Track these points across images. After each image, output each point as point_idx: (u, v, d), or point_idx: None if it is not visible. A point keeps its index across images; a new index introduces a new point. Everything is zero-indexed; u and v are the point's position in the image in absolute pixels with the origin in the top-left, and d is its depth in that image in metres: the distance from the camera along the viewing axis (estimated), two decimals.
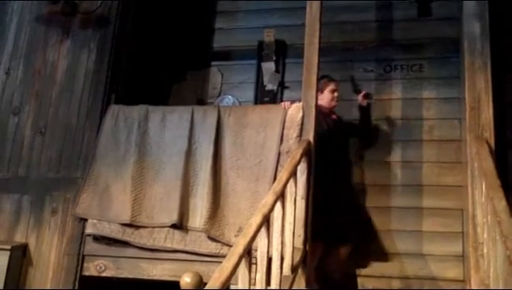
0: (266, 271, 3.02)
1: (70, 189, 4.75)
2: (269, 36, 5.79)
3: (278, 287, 3.24)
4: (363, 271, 4.90)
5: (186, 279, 2.37)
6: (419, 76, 5.50)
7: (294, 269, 3.60)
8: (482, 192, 3.49)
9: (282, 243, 3.42)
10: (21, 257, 4.62)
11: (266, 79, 5.81)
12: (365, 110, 5.03)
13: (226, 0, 6.25)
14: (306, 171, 4.02)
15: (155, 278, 4.33)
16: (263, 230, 2.98)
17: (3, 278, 4.44)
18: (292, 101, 4.52)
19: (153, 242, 4.35)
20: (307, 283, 3.94)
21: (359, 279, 4.96)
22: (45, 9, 5.36)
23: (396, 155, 5.31)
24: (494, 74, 4.18)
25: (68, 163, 4.89)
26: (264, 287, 3.00)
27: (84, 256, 4.52)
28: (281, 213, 3.38)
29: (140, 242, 4.38)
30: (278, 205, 3.33)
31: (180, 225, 4.31)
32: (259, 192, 4.25)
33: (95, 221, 4.52)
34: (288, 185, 3.56)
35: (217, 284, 2.32)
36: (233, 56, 6.12)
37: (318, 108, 4.81)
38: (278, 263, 3.30)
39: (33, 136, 5.04)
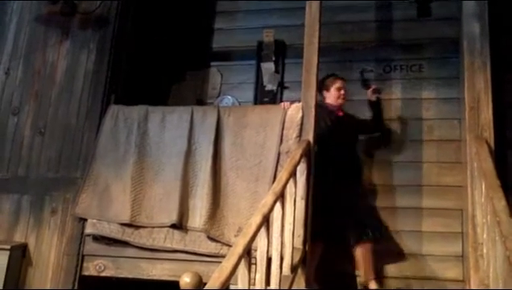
0: (265, 271, 3.02)
1: (70, 189, 4.74)
2: (268, 36, 5.79)
3: (277, 287, 3.24)
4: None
5: (185, 279, 2.37)
6: (418, 77, 5.50)
7: (293, 269, 3.60)
8: (482, 193, 3.49)
9: (282, 243, 3.42)
10: (20, 257, 4.62)
11: (265, 79, 5.81)
12: (375, 105, 4.96)
13: (226, 0, 6.25)
14: (305, 172, 4.02)
15: (155, 278, 4.33)
16: (263, 230, 2.99)
17: (3, 278, 4.43)
18: (292, 102, 4.52)
19: (152, 242, 4.35)
20: (307, 283, 3.94)
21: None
22: (44, 9, 5.36)
23: (395, 155, 5.30)
24: (494, 74, 4.18)
25: (67, 163, 4.89)
26: (264, 287, 3.00)
27: (83, 256, 4.52)
28: (280, 213, 3.38)
29: (140, 242, 4.38)
30: (278, 205, 3.33)
31: (180, 226, 4.31)
32: (259, 193, 4.25)
33: (94, 221, 4.52)
34: (288, 185, 3.56)
35: (217, 284, 2.32)
36: (232, 57, 6.12)
37: (324, 106, 4.83)
38: (278, 263, 3.30)
39: (32, 136, 5.04)
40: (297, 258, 3.73)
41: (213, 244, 4.24)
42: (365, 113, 5.11)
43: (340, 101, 4.89)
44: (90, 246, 4.52)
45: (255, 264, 2.98)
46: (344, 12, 5.79)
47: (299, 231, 3.88)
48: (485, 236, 3.39)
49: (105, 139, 4.78)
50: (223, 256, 2.85)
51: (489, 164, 3.51)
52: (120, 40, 5.19)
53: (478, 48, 4.25)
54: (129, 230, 4.42)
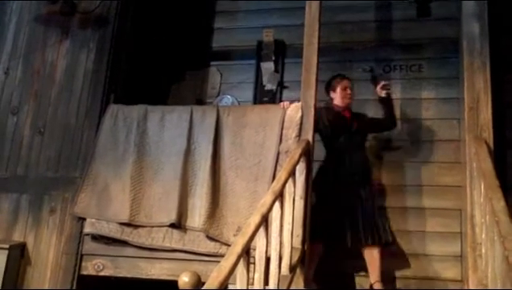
0: (264, 270, 3.02)
1: (69, 189, 4.74)
2: (268, 36, 5.79)
3: (276, 287, 3.24)
4: (361, 271, 4.90)
5: (184, 279, 2.38)
6: (418, 77, 5.51)
7: (292, 269, 3.60)
8: (481, 193, 3.49)
9: (281, 243, 3.42)
10: (19, 256, 4.61)
11: (265, 79, 5.81)
12: (385, 101, 4.87)
13: (225, 0, 6.25)
14: (305, 171, 4.02)
15: (154, 277, 4.33)
16: (262, 230, 2.99)
17: (1, 277, 4.42)
18: (291, 101, 4.52)
19: (151, 242, 4.35)
20: (306, 282, 3.94)
21: (357, 279, 4.96)
22: (44, 9, 5.35)
23: (393, 155, 5.30)
24: (493, 74, 4.18)
25: (66, 162, 4.88)
26: (262, 287, 3.00)
27: (82, 255, 4.51)
28: (279, 212, 3.38)
29: (138, 241, 4.38)
30: (277, 204, 3.33)
31: (179, 225, 4.31)
32: (258, 192, 4.24)
33: (93, 220, 4.51)
34: (287, 185, 3.55)
35: (215, 284, 2.32)
36: (232, 56, 6.12)
37: (330, 107, 4.83)
38: (277, 262, 3.30)
39: (32, 136, 5.03)
40: (296, 257, 3.73)
41: (212, 243, 4.24)
42: (369, 113, 5.10)
43: (346, 100, 4.84)
44: (89, 246, 4.52)
45: (254, 264, 2.98)
46: (343, 12, 5.80)
47: (298, 231, 3.88)
48: (483, 236, 3.39)
49: (105, 139, 4.78)
50: (222, 256, 2.85)
51: (488, 164, 3.51)
52: (119, 40, 5.19)
53: (478, 48, 4.25)
54: (128, 230, 4.41)
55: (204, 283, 2.35)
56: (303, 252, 3.91)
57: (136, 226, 4.41)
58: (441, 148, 5.22)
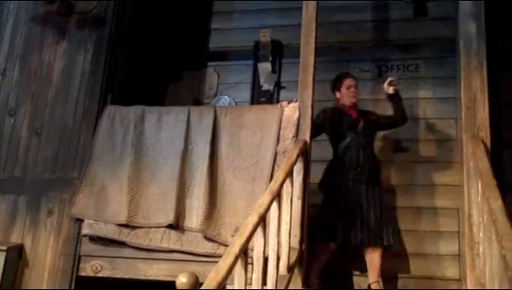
0: (262, 270, 3.02)
1: (66, 190, 4.73)
2: (265, 36, 5.80)
3: (274, 287, 3.24)
4: (358, 271, 4.90)
5: (182, 280, 2.37)
6: (415, 76, 5.52)
7: (290, 269, 3.60)
8: (478, 192, 3.50)
9: (279, 243, 3.43)
10: (17, 258, 4.60)
11: (262, 79, 5.82)
12: (393, 97, 4.80)
13: (222, 0, 6.25)
14: (302, 171, 4.02)
15: (151, 278, 4.33)
16: (259, 230, 2.99)
17: None
18: (289, 101, 4.51)
19: (149, 243, 4.34)
20: (303, 282, 3.94)
21: (355, 279, 4.96)
22: (41, 9, 5.34)
23: (391, 155, 5.31)
24: (490, 74, 4.18)
25: (64, 163, 4.87)
26: (260, 287, 3.00)
27: (80, 257, 4.50)
28: (277, 213, 3.38)
29: (136, 242, 4.37)
30: (275, 205, 3.34)
31: (176, 226, 4.30)
32: (256, 193, 4.24)
33: (91, 221, 4.50)
34: (284, 185, 3.56)
35: (213, 284, 2.32)
36: (229, 57, 6.13)
37: (335, 107, 4.82)
38: (275, 262, 3.30)
39: (29, 137, 5.02)
40: (294, 257, 3.73)
41: (210, 244, 4.23)
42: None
43: (351, 99, 4.79)
44: (87, 247, 4.51)
45: (252, 264, 2.98)
46: (340, 12, 5.81)
47: (296, 231, 3.88)
48: (481, 235, 3.39)
49: (102, 140, 4.77)
50: (220, 256, 2.85)
51: (485, 164, 3.51)
52: (117, 40, 5.19)
53: (475, 48, 4.25)
54: (125, 231, 4.41)
55: (201, 284, 2.35)
56: (300, 252, 3.91)
57: (134, 227, 4.40)
58: (438, 148, 5.23)
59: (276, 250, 3.36)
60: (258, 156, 4.41)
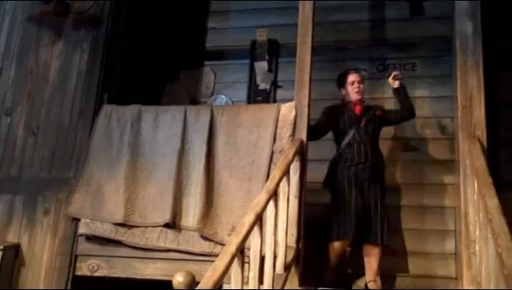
0: (258, 269, 3.02)
1: (62, 189, 4.73)
2: (261, 36, 5.80)
3: (270, 286, 3.24)
4: (355, 270, 4.90)
5: (178, 279, 2.37)
6: (411, 75, 5.51)
7: (287, 268, 3.61)
8: (474, 190, 3.50)
9: (275, 242, 3.42)
10: (13, 257, 4.60)
11: (258, 78, 5.82)
12: (399, 91, 4.71)
13: (218, 0, 6.26)
14: (299, 170, 4.02)
15: (148, 277, 4.33)
16: (256, 229, 2.99)
17: None
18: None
19: (146, 242, 4.34)
20: (300, 281, 3.94)
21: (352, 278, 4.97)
22: (37, 9, 5.34)
23: (388, 154, 5.31)
24: (486, 73, 4.19)
25: (60, 163, 4.87)
26: (257, 286, 3.00)
27: (76, 256, 4.50)
28: (274, 211, 3.38)
29: (133, 241, 4.37)
30: (271, 203, 3.34)
31: (173, 225, 4.30)
32: (252, 192, 4.25)
33: (88, 220, 4.50)
34: (281, 184, 3.56)
35: (210, 283, 2.32)
36: (225, 56, 6.13)
37: (340, 105, 4.79)
38: (271, 261, 3.30)
39: (25, 136, 5.02)
40: (290, 256, 3.73)
41: (207, 243, 4.24)
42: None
43: (356, 95, 4.72)
44: (83, 246, 4.51)
45: (248, 263, 2.98)
46: (337, 11, 5.82)
47: (293, 230, 3.89)
48: (477, 233, 3.39)
49: (99, 139, 4.77)
50: (216, 255, 2.85)
51: (481, 162, 3.52)
52: (113, 40, 5.18)
53: (471, 47, 4.26)
54: (122, 230, 4.41)
55: (198, 283, 2.35)
56: (297, 251, 3.91)
57: (130, 226, 4.40)
58: (435, 146, 5.24)
59: (273, 249, 3.35)
60: (255, 155, 4.41)
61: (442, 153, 5.23)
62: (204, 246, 4.23)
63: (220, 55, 6.11)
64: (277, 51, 5.90)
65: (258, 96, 5.77)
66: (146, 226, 4.38)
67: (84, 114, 4.95)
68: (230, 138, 4.52)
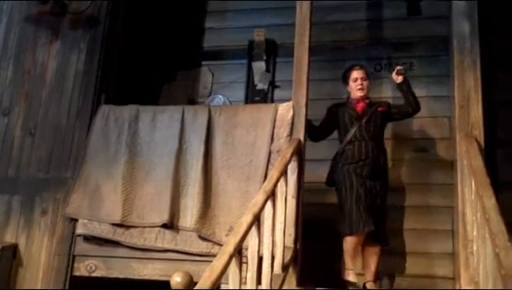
0: (256, 270, 3.02)
1: (60, 190, 4.73)
2: (259, 36, 5.80)
3: (268, 287, 3.25)
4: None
5: (176, 279, 2.38)
6: (409, 75, 5.42)
7: (284, 268, 3.61)
8: (472, 190, 3.51)
9: (273, 242, 3.43)
10: (11, 257, 4.59)
11: (256, 78, 5.82)
12: (402, 86, 4.65)
13: (216, 0, 6.26)
14: (296, 170, 4.03)
15: (146, 278, 4.32)
16: (254, 229, 2.99)
17: None
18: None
19: (144, 242, 4.34)
20: (298, 281, 3.94)
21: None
22: (34, 9, 5.33)
23: None
24: (484, 73, 4.20)
25: (58, 163, 4.87)
26: (255, 287, 3.00)
27: (74, 256, 4.50)
28: (271, 212, 3.39)
29: (131, 241, 4.37)
30: (269, 204, 3.34)
31: (171, 225, 4.30)
32: (250, 192, 4.25)
33: (85, 221, 4.50)
34: (279, 184, 3.56)
35: (208, 284, 2.32)
36: (223, 56, 6.13)
37: (344, 102, 4.75)
38: (269, 261, 3.31)
39: (23, 137, 5.01)
40: (288, 256, 3.73)
41: (204, 243, 4.23)
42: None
43: (358, 92, 4.65)
44: (81, 247, 4.51)
45: (246, 263, 2.98)
46: (334, 11, 5.81)
47: (290, 230, 3.89)
48: (474, 233, 3.40)
49: (96, 139, 4.77)
50: (214, 255, 2.86)
51: (478, 162, 3.52)
52: (110, 40, 5.18)
53: (468, 47, 4.26)
54: (120, 230, 4.41)
55: (196, 283, 2.36)
56: (295, 251, 3.91)
57: (128, 227, 4.41)
58: (432, 146, 5.24)
59: (271, 249, 3.36)
60: (252, 155, 4.41)
61: (439, 153, 5.23)
62: (202, 247, 4.23)
63: (217, 55, 6.11)
64: (274, 51, 5.90)
65: (255, 96, 5.77)
66: (144, 227, 4.38)
67: (81, 114, 4.95)
68: (228, 139, 4.53)
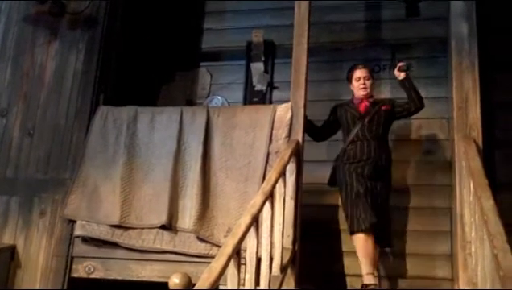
0: (255, 271, 3.03)
1: (58, 191, 4.72)
2: (257, 37, 5.80)
3: (267, 288, 3.25)
4: (352, 271, 4.90)
5: (175, 280, 2.37)
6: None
7: (283, 269, 3.61)
8: (470, 191, 3.51)
9: (272, 243, 3.43)
10: (9, 259, 4.59)
11: (255, 79, 5.82)
12: (404, 83, 4.62)
13: (214, 0, 6.25)
14: (295, 171, 4.03)
15: (144, 279, 4.32)
16: (252, 231, 3.00)
17: None
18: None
19: (142, 243, 4.34)
20: (296, 283, 3.94)
21: (348, 279, 4.97)
22: (33, 9, 5.33)
23: None
24: (482, 74, 4.20)
25: (56, 164, 4.86)
26: (253, 288, 3.00)
27: (72, 258, 4.49)
28: (270, 213, 3.39)
29: (129, 243, 4.36)
30: (267, 205, 3.34)
31: (169, 226, 4.30)
32: (248, 193, 4.25)
33: (84, 222, 4.50)
34: (277, 185, 3.56)
35: (206, 285, 2.32)
36: (221, 57, 6.13)
37: (347, 102, 4.75)
38: (268, 263, 3.31)
39: (21, 137, 5.01)
40: (286, 258, 3.73)
41: (203, 245, 4.23)
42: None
43: (361, 92, 4.64)
44: (79, 248, 4.50)
45: (245, 265, 2.98)
46: (333, 12, 5.81)
47: (289, 231, 3.89)
48: (473, 235, 3.40)
49: (94, 140, 4.77)
50: (212, 257, 2.85)
51: (477, 163, 3.52)
52: (109, 40, 5.18)
53: (466, 48, 4.27)
54: (118, 232, 4.40)
55: (194, 285, 2.35)
56: (293, 252, 3.91)
57: (127, 228, 4.40)
58: (430, 147, 5.24)
59: (269, 250, 3.36)
60: (251, 156, 4.41)
61: (437, 154, 5.23)
62: (201, 248, 4.23)
63: (216, 56, 6.11)
64: (273, 52, 5.89)
65: (254, 97, 5.77)
66: (143, 228, 4.37)
67: (80, 115, 4.94)
68: (226, 140, 4.53)
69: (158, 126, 4.69)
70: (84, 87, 5.03)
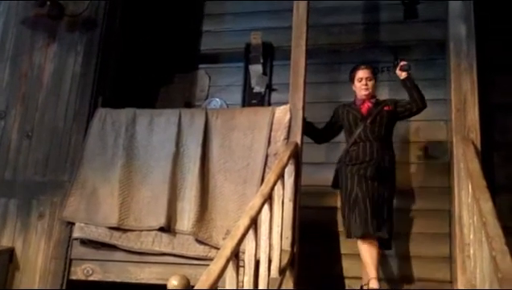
0: (253, 273, 3.02)
1: (57, 193, 4.72)
2: (256, 39, 5.80)
3: None
4: (350, 273, 4.91)
5: (173, 282, 2.37)
6: None
7: (282, 271, 3.61)
8: (468, 193, 3.51)
9: (270, 246, 3.43)
10: (7, 261, 4.58)
11: (253, 81, 5.82)
12: (406, 82, 4.56)
13: (214, 1, 6.25)
14: (293, 174, 4.03)
15: (143, 281, 4.31)
16: (251, 233, 2.99)
17: None
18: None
19: (140, 246, 4.33)
20: (295, 285, 3.94)
21: (346, 281, 4.97)
22: (31, 11, 5.32)
23: None
24: (480, 76, 4.20)
25: (54, 166, 4.86)
26: None
27: (71, 260, 4.49)
28: (268, 215, 3.39)
29: (128, 245, 4.36)
30: (266, 207, 3.34)
31: (168, 228, 4.30)
32: (247, 195, 4.25)
33: (82, 224, 4.49)
34: (276, 188, 3.56)
35: (205, 287, 2.33)
36: (220, 59, 6.13)
37: (349, 103, 4.72)
38: (266, 265, 3.31)
39: (19, 140, 5.00)
40: (285, 260, 3.73)
41: (201, 247, 4.23)
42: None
43: (364, 92, 4.60)
44: (78, 250, 4.50)
45: (243, 267, 2.98)
46: (331, 14, 5.82)
47: (287, 233, 3.88)
48: (471, 237, 3.40)
49: (93, 142, 4.77)
50: (211, 259, 2.86)
51: (475, 165, 3.52)
52: (107, 43, 5.18)
53: (464, 50, 4.27)
54: (117, 234, 4.40)
55: (193, 287, 2.35)
56: (292, 254, 3.91)
57: (125, 230, 4.39)
58: (429, 149, 5.25)
59: (268, 252, 3.36)
60: (250, 158, 4.41)
61: (435, 156, 5.23)
62: (199, 250, 4.23)
63: (214, 58, 6.11)
64: (271, 54, 5.90)
65: (252, 99, 5.77)
66: (141, 230, 4.37)
67: (78, 117, 4.94)
68: (225, 142, 4.53)
69: (157, 128, 4.69)
70: (82, 89, 5.02)
